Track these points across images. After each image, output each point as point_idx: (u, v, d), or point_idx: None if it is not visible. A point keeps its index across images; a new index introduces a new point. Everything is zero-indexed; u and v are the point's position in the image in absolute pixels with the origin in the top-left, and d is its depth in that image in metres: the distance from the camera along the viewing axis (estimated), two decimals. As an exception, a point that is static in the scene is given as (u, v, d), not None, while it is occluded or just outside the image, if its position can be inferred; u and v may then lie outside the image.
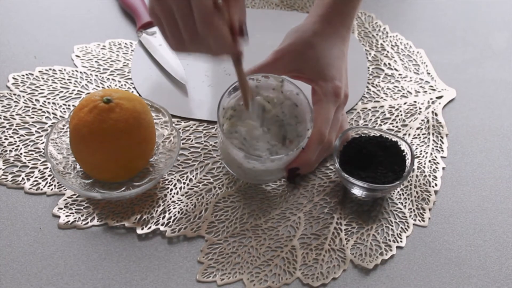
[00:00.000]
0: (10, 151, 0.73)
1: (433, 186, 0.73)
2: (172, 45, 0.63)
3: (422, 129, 0.79)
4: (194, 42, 0.61)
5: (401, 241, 0.68)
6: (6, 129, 0.75)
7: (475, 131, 0.80)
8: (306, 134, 0.67)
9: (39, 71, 0.81)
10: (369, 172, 0.69)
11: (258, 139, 0.68)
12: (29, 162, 0.72)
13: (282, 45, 0.72)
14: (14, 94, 0.79)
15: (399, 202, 0.72)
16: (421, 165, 0.75)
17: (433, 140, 0.78)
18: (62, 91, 0.80)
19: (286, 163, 0.68)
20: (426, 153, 0.76)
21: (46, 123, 0.76)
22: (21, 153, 0.73)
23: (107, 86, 0.81)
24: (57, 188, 0.70)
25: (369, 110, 0.81)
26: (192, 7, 0.58)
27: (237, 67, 0.64)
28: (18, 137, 0.74)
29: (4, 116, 0.76)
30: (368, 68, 0.86)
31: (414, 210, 0.71)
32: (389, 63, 0.86)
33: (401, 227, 0.70)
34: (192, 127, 0.77)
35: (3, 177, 0.71)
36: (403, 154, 0.71)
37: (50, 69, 0.82)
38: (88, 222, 0.68)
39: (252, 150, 0.67)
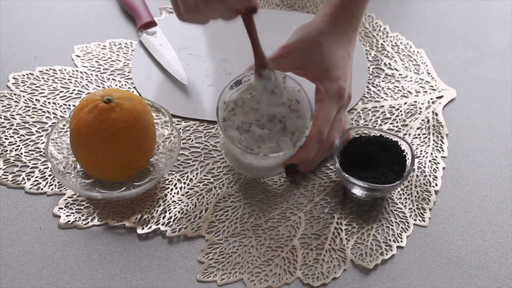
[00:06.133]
0: (11, 151, 0.73)
1: (433, 186, 0.73)
2: (183, 10, 0.64)
3: (422, 129, 0.79)
4: (207, 4, 0.61)
5: (401, 241, 0.68)
6: (7, 129, 0.75)
7: (475, 131, 0.80)
8: (305, 132, 0.67)
9: (40, 71, 0.81)
10: (369, 172, 0.69)
11: (259, 132, 0.68)
12: (29, 162, 0.72)
13: (289, 41, 0.72)
14: (15, 94, 0.79)
15: (400, 202, 0.72)
16: (422, 165, 0.75)
17: (434, 140, 0.78)
18: (62, 91, 0.80)
19: (283, 161, 0.68)
20: (427, 153, 0.76)
21: (47, 123, 0.76)
22: (21, 153, 0.73)
23: (108, 86, 0.81)
24: (58, 188, 0.70)
25: (369, 110, 0.81)
26: None
27: (249, 27, 0.64)
28: (18, 137, 0.74)
29: (4, 116, 0.76)
30: (369, 68, 0.86)
31: (414, 210, 0.71)
32: (389, 63, 0.86)
33: (402, 227, 0.70)
34: (192, 127, 0.77)
35: (3, 177, 0.71)
36: (404, 154, 0.71)
37: (50, 69, 0.82)
38: (88, 222, 0.68)
39: (252, 141, 0.67)
